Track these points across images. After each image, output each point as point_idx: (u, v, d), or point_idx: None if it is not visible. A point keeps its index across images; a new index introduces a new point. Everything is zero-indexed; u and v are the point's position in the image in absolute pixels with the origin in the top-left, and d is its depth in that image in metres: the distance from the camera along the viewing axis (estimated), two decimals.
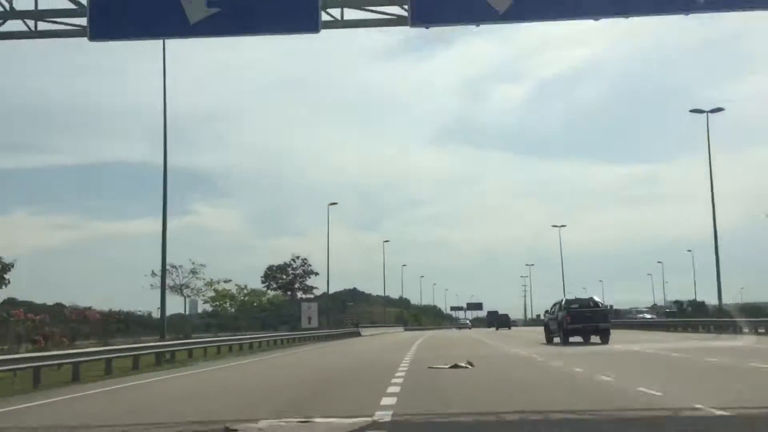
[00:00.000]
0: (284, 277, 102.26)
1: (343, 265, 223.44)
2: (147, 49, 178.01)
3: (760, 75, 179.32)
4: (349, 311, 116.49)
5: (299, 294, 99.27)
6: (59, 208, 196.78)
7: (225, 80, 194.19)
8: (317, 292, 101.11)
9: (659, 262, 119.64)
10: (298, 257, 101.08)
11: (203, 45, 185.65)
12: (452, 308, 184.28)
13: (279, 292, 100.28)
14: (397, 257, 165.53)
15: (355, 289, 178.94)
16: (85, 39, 13.39)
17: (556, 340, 34.44)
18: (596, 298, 36.93)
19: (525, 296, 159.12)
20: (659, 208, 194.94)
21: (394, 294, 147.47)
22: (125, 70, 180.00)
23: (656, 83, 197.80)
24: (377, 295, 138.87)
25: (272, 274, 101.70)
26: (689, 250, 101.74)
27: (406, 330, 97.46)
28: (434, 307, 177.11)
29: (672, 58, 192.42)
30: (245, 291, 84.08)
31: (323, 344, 45.58)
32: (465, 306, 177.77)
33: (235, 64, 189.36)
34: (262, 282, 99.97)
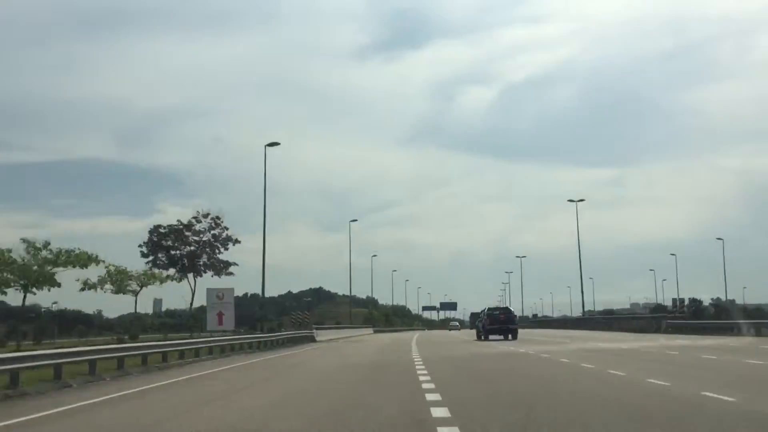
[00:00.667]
0: (179, 247, 59.94)
1: (309, 266, 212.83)
2: (118, 44, 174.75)
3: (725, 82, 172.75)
4: (314, 311, 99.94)
5: (207, 275, 60.13)
6: (21, 206, 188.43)
7: (198, 78, 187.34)
8: (240, 275, 76.60)
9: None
10: (207, 215, 59.93)
11: (179, 42, 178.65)
12: (424, 308, 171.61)
13: (173, 272, 60.41)
14: (365, 259, 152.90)
15: (320, 288, 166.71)
16: None
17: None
18: (510, 307, 50.10)
19: (503, 298, 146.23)
20: (626, 210, 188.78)
21: (361, 294, 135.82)
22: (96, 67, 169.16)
23: (625, 88, 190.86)
24: (343, 295, 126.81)
25: (159, 242, 60.03)
26: (673, 254, 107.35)
27: (376, 332, 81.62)
28: (403, 307, 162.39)
29: (641, 63, 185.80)
30: (112, 271, 56.16)
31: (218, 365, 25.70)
32: (438, 306, 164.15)
33: (208, 62, 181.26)
34: (143, 255, 59.96)
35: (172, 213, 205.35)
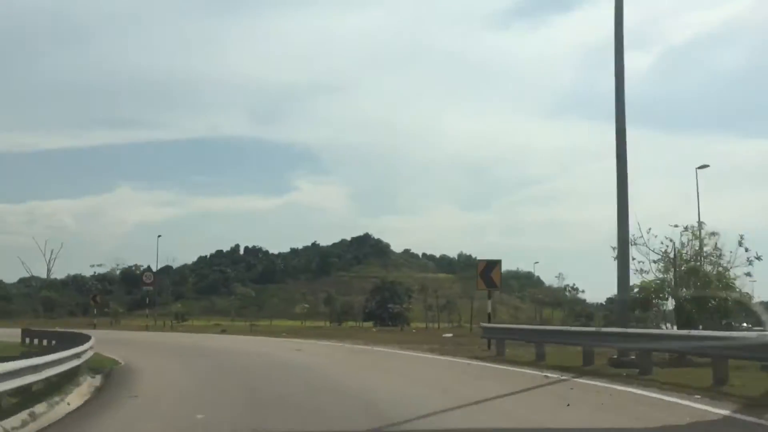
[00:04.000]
0: None
1: (451, 247, 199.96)
2: (247, 21, 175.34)
3: None
4: None
5: None
6: (162, 184, 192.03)
7: (331, 52, 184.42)
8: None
9: None
10: None
11: (304, 14, 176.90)
12: None
13: None
14: (510, 238, 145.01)
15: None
16: None
17: None
18: None
19: None
20: None
21: None
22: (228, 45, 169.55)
23: None
24: None
25: None
26: None
27: None
28: None
29: None
30: None
31: None
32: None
33: (341, 35, 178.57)
34: None
35: (308, 191, 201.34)
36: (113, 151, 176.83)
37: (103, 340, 23.15)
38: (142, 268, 49.54)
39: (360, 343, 31.06)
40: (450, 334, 38.97)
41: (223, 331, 43.99)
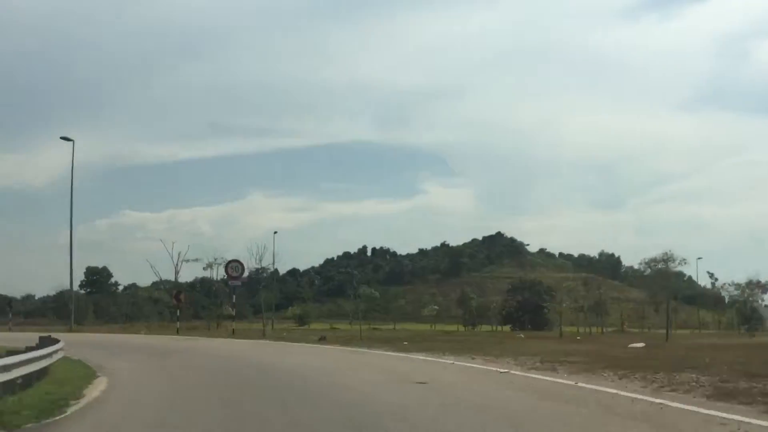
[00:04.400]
0: None
1: (582, 249, 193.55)
2: (366, 26, 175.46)
3: None
4: None
5: None
6: (293, 191, 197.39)
7: (450, 54, 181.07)
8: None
9: None
10: None
11: (426, 16, 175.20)
12: None
13: None
14: (645, 238, 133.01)
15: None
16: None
17: None
18: None
19: None
20: None
21: None
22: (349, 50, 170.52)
23: None
24: None
25: None
26: None
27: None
28: None
29: None
30: None
31: None
32: None
33: (461, 35, 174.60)
34: None
35: (436, 193, 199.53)
36: (246, 159, 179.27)
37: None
38: (227, 260, 40.40)
39: (531, 364, 17.86)
40: (641, 344, 27.34)
41: (322, 339, 32.25)
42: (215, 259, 56.30)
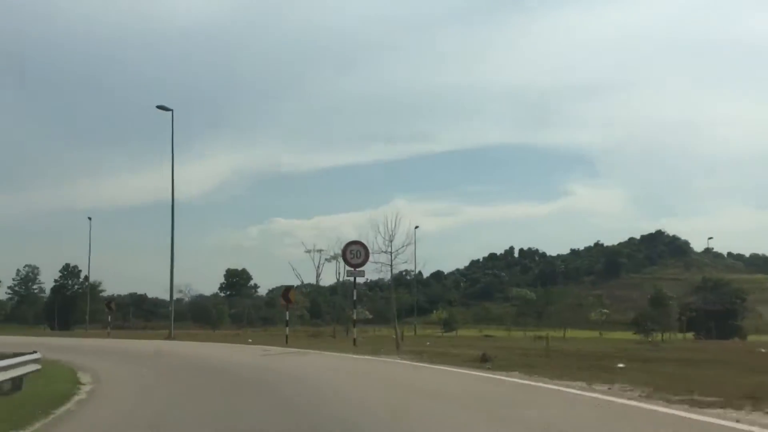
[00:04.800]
0: None
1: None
2: (497, 26, 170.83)
3: None
4: None
5: None
6: (437, 194, 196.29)
7: (588, 52, 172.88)
8: None
9: None
10: None
11: (564, 13, 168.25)
12: None
13: None
14: None
15: None
16: None
17: None
18: None
19: None
20: None
21: None
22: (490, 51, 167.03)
23: None
24: None
25: None
26: None
27: None
28: None
29: None
30: None
31: None
32: None
33: (597, 34, 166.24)
34: None
35: (582, 195, 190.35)
36: (389, 165, 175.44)
37: None
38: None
39: None
40: None
41: (486, 361, 18.09)
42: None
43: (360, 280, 26.18)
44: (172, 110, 42.30)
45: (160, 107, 41.62)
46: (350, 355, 21.49)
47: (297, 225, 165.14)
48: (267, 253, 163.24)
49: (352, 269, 25.68)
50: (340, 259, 53.25)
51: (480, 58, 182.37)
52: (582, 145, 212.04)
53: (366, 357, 20.79)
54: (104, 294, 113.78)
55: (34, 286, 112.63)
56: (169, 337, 40.27)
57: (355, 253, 25.75)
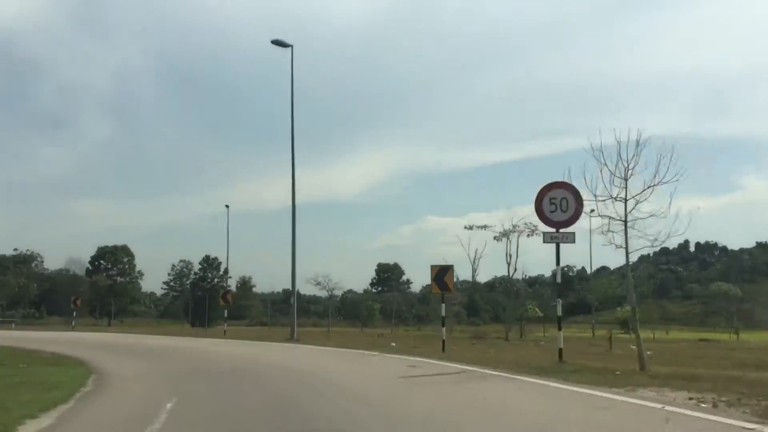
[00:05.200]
0: None
1: None
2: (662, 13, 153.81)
3: None
4: None
5: None
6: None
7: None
8: None
9: None
10: None
11: None
12: None
13: None
14: None
15: None
16: None
17: None
18: None
19: None
20: None
21: None
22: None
23: None
24: None
25: None
26: None
27: None
28: None
29: None
30: None
31: None
32: None
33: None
34: None
35: (755, 188, 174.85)
36: (540, 161, 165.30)
37: None
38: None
39: None
40: None
41: None
42: (514, 226, 43.30)
43: (565, 247, 14.90)
44: (291, 46, 34.25)
45: (275, 42, 33.45)
46: (566, 387, 11.14)
47: (449, 223, 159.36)
48: (420, 252, 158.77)
49: (554, 230, 14.93)
50: (511, 237, 43.99)
51: (640, 48, 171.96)
52: (756, 136, 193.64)
53: (603, 392, 10.47)
54: (255, 290, 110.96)
55: (188, 281, 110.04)
56: (291, 339, 31.68)
57: (558, 202, 14.87)
